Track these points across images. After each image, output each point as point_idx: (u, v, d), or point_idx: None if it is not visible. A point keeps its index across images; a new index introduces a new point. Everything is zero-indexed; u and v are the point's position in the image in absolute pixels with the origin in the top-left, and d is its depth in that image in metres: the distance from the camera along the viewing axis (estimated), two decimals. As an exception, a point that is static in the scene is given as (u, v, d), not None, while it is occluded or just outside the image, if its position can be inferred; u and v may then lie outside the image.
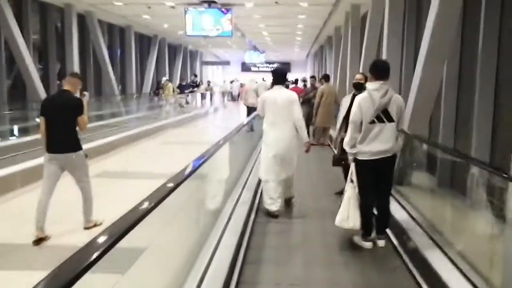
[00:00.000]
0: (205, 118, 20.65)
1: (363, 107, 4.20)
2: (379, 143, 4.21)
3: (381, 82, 4.20)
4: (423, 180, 7.25)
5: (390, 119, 4.22)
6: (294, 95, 5.64)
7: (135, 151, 10.88)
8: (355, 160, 4.34)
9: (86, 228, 4.94)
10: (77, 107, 4.82)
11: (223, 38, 24.86)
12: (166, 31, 22.20)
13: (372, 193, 4.37)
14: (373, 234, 4.44)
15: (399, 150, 4.58)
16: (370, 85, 4.27)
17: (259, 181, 6.00)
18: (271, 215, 5.39)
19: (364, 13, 13.50)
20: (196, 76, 25.02)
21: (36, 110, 12.14)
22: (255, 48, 32.74)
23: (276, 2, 13.56)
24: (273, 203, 5.42)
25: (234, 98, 30.89)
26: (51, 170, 4.80)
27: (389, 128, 4.22)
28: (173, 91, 17.99)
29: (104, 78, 17.80)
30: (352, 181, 4.36)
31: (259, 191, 6.07)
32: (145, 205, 2.28)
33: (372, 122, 4.20)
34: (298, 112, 5.47)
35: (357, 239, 4.45)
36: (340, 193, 4.95)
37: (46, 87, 14.64)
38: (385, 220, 4.50)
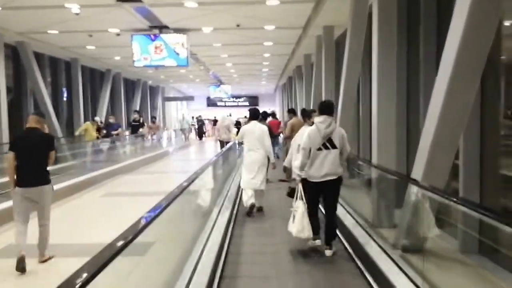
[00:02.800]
0: (163, 160, 18.44)
1: (311, 136, 5.20)
2: (326, 167, 5.15)
3: (326, 116, 5.22)
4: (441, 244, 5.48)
5: (334, 146, 5.19)
6: (266, 129, 7.80)
7: (67, 209, 8.71)
8: (306, 181, 5.30)
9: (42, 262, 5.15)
10: (52, 143, 5.43)
11: (186, 72, 23.12)
12: (119, 64, 20.02)
13: (317, 206, 5.56)
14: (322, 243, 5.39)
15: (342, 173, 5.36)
16: (316, 119, 5.34)
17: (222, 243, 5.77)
18: (249, 207, 7.46)
19: (338, 36, 11.83)
20: (137, 112, 20.45)
21: None
22: (220, 82, 30.92)
23: (237, 25, 11.69)
24: (248, 201, 7.48)
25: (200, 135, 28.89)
26: (22, 206, 5.12)
27: (333, 154, 5.18)
28: (99, 133, 14.79)
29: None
30: (302, 198, 5.28)
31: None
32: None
33: (319, 149, 5.17)
34: (268, 141, 7.65)
35: (311, 242, 5.42)
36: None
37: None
38: (332, 234, 5.38)
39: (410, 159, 6.96)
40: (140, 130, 18.25)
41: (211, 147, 22.92)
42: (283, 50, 16.53)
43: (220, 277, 4.67)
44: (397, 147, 6.82)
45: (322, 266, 5.09)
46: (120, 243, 2.39)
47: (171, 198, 3.73)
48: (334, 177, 5.18)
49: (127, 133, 19.21)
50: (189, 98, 36.64)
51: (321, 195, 5.38)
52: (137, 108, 24.91)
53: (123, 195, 10.30)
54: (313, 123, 5.79)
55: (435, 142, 4.55)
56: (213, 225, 5.95)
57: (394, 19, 6.66)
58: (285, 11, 10.38)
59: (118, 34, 12.70)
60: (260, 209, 7.72)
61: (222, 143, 14.40)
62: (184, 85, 33.20)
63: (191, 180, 4.85)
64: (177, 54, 12.59)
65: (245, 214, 7.58)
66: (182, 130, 27.08)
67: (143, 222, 2.89)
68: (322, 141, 5.13)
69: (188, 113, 37.14)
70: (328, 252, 5.26)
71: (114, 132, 15.24)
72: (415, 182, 4.74)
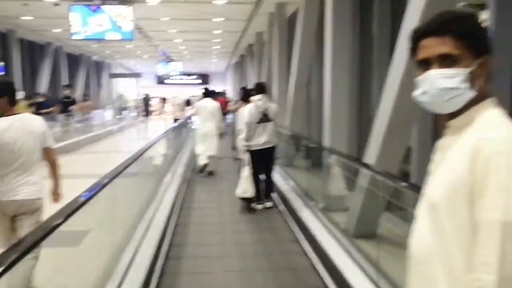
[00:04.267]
0: (108, 140, 17.66)
1: (251, 112, 6.41)
2: (264, 137, 6.43)
3: (262, 94, 6.48)
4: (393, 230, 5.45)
5: (269, 120, 6.46)
6: (217, 105, 9.28)
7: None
8: (249, 151, 6.47)
9: None
10: None
11: (133, 47, 22.08)
12: (60, 37, 18.73)
13: (261, 172, 6.61)
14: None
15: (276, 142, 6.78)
16: (254, 98, 6.52)
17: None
18: (201, 170, 9.17)
19: (290, 13, 11.49)
20: (69, 86, 17.80)
21: None
22: (169, 59, 29.90)
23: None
24: (201, 162, 9.11)
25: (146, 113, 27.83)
26: None
27: (269, 126, 6.46)
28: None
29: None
30: (248, 164, 6.43)
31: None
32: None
33: (258, 122, 6.38)
34: (219, 115, 9.25)
35: (253, 204, 6.54)
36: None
37: None
38: (270, 189, 6.74)
39: (362, 142, 6.80)
40: (72, 107, 15.96)
41: (157, 126, 22.22)
42: (235, 27, 16.00)
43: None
44: (349, 130, 6.63)
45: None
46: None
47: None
48: (271, 145, 6.51)
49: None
50: (137, 75, 35.36)
51: (261, 160, 6.49)
52: (78, 84, 23.21)
53: (65, 177, 9.61)
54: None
55: (390, 125, 4.35)
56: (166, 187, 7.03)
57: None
58: (236, -15, 9.90)
59: (56, 4, 11.75)
60: (211, 173, 9.12)
61: (176, 121, 15.47)
62: (132, 61, 31.92)
63: (149, 146, 6.02)
64: (120, 27, 11.83)
65: (198, 172, 9.23)
66: (120, 109, 24.87)
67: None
68: (260, 115, 6.33)
69: (136, 91, 35.80)
70: (268, 204, 6.58)
71: (45, 111, 13.54)
72: (366, 166, 4.54)
